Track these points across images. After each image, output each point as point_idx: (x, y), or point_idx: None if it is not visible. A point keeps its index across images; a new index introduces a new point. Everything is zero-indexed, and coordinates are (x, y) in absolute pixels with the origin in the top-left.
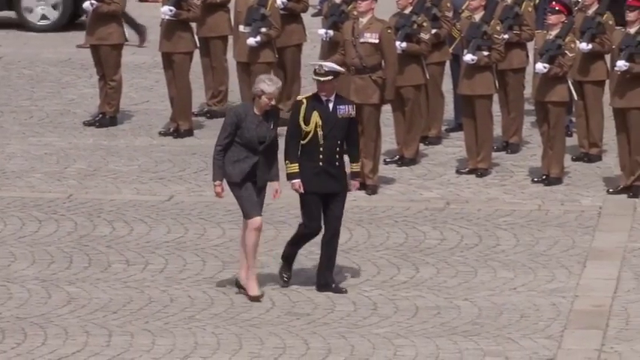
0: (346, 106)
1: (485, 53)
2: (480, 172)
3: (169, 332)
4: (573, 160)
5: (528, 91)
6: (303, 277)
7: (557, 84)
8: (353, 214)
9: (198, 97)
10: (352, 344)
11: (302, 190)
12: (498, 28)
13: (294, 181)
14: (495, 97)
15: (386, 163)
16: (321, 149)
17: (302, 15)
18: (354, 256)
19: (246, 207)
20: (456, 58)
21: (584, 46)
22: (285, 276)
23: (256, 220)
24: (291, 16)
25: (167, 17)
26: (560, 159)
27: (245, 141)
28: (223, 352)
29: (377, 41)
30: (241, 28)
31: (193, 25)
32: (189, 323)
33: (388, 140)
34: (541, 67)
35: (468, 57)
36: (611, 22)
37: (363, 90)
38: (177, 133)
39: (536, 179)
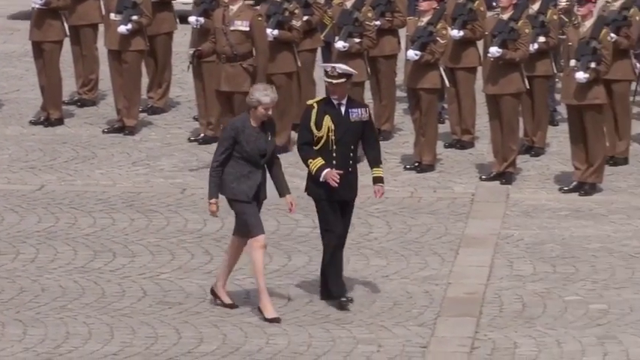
0: (359, 109)
1: (357, 40)
2: None
3: (40, 322)
4: (446, 146)
5: (400, 78)
6: (176, 266)
7: (429, 71)
8: (225, 203)
9: (69, 86)
10: (224, 333)
11: (337, 178)
12: (370, 14)
13: (324, 171)
14: (367, 84)
15: None
16: (334, 155)
17: (172, 2)
18: (226, 244)
19: (251, 223)
20: (328, 45)
21: (456, 32)
22: (347, 298)
23: (261, 238)
24: (162, 3)
25: (37, 6)
26: (433, 146)
27: (245, 155)
28: (95, 342)
29: (247, 29)
30: (112, 16)
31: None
32: (61, 313)
33: None
34: (412, 54)
35: (340, 44)
36: (482, 9)
37: (234, 78)
38: (48, 122)
39: (408, 166)
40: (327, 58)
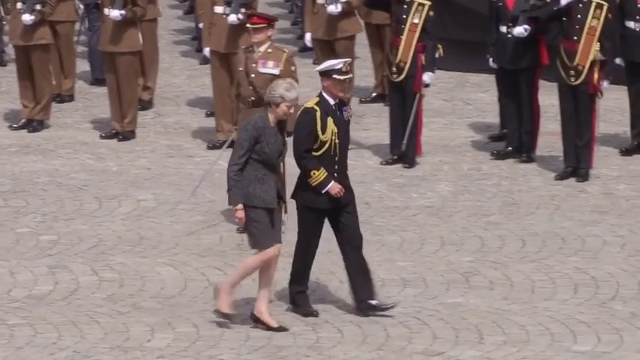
0: (347, 107)
1: None
2: None
3: None
4: None
5: None
6: None
7: None
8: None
9: None
10: None
11: (342, 193)
12: None
13: (329, 186)
14: None
15: None
16: (337, 159)
17: None
18: None
19: (259, 236)
20: None
21: None
22: (313, 311)
23: (270, 252)
24: None
25: None
26: None
27: (264, 157)
28: None
29: None
30: None
31: None
32: None
33: None
34: None
35: None
36: None
37: None
38: None
39: None
40: None
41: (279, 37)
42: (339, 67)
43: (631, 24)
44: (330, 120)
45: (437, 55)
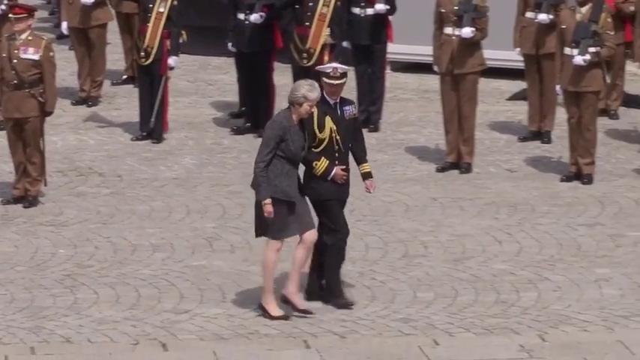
0: (350, 106)
1: None
2: None
3: None
4: None
5: None
6: None
7: None
8: None
9: None
10: None
11: (345, 178)
12: None
13: (333, 172)
14: None
15: None
16: (337, 155)
17: None
18: None
19: (276, 228)
20: None
21: None
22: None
23: (312, 234)
24: None
25: None
26: None
27: (289, 154)
28: None
29: None
30: None
31: None
32: None
33: None
34: None
35: None
36: None
37: None
38: None
39: None
40: None
41: (38, 25)
42: (327, 71)
43: (356, 10)
44: (328, 118)
45: (181, 41)
